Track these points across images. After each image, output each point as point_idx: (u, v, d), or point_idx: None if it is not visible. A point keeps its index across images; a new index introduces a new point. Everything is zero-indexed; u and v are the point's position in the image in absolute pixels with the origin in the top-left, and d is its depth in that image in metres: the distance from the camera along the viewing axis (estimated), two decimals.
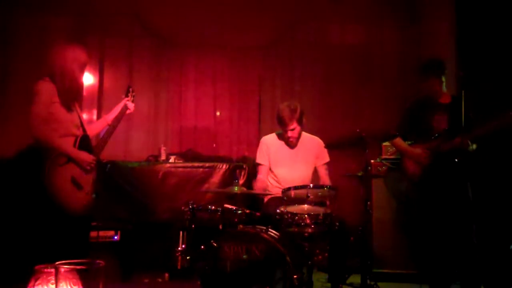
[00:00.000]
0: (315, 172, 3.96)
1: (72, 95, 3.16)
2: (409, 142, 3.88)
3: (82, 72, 3.26)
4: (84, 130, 3.26)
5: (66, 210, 2.99)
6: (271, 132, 4.10)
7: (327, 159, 3.96)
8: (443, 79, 3.69)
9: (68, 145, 3.07)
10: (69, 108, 3.14)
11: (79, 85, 3.26)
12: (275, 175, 3.89)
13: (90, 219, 3.40)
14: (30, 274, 1.56)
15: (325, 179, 3.91)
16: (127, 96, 3.59)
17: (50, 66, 3.14)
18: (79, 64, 3.18)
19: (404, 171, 3.84)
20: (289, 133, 3.80)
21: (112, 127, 3.41)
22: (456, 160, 3.57)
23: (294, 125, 3.77)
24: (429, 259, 3.69)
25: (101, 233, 3.93)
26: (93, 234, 3.84)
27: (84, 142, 3.18)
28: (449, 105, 3.69)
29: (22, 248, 3.27)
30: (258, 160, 3.95)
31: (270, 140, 3.98)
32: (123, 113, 3.49)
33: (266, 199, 3.89)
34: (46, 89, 3.04)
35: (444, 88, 3.71)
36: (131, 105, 3.55)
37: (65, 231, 2.98)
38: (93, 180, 3.19)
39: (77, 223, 3.10)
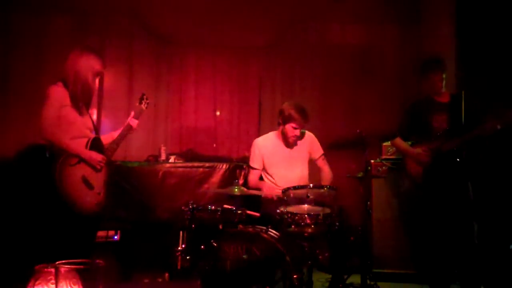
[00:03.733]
0: (315, 166, 3.96)
1: (84, 100, 3.23)
2: (410, 143, 3.88)
3: (95, 79, 3.34)
4: (97, 133, 3.34)
5: (77, 209, 3.04)
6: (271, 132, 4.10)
7: (322, 150, 3.97)
8: (444, 76, 3.70)
9: (78, 145, 3.14)
10: (80, 112, 3.20)
11: (92, 92, 3.32)
12: (272, 176, 3.89)
13: (100, 219, 3.42)
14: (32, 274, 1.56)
15: (326, 170, 3.91)
16: (140, 103, 3.63)
17: (64, 71, 3.21)
18: (93, 72, 3.26)
19: (406, 171, 3.84)
20: (294, 132, 3.80)
21: (123, 136, 3.45)
22: (457, 159, 3.57)
23: (302, 125, 3.79)
24: (430, 259, 3.69)
25: (101, 233, 3.93)
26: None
27: (96, 144, 3.24)
28: (449, 104, 3.70)
29: (32, 247, 3.29)
30: (251, 163, 3.94)
31: (263, 142, 3.96)
32: (128, 130, 3.51)
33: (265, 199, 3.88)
34: (57, 94, 3.12)
35: (443, 87, 3.72)
36: (134, 122, 3.54)
37: (75, 230, 3.02)
38: (104, 180, 3.25)
39: (87, 222, 3.15)
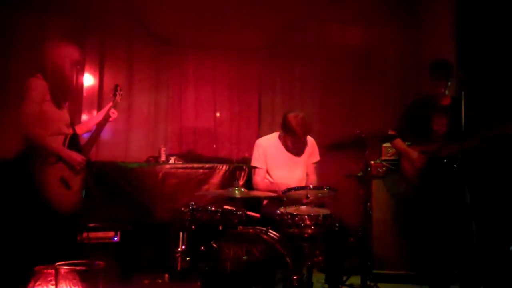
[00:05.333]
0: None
1: (63, 92, 3.13)
2: (408, 143, 3.87)
3: (74, 70, 3.22)
4: (73, 129, 3.24)
5: (55, 209, 2.98)
6: (271, 133, 4.10)
7: (318, 158, 3.97)
8: (449, 83, 3.68)
9: (58, 144, 3.05)
10: (59, 106, 3.11)
11: (71, 83, 3.20)
12: (272, 177, 3.89)
13: (78, 218, 3.37)
14: (24, 275, 1.55)
15: (312, 177, 3.91)
16: (115, 95, 3.54)
17: (41, 62, 3.11)
18: (70, 61, 3.15)
19: (402, 173, 3.84)
20: (293, 144, 3.80)
21: (100, 127, 3.37)
22: (455, 166, 3.57)
23: (301, 140, 3.79)
24: (428, 260, 3.69)
25: (101, 234, 3.92)
26: (94, 235, 3.84)
27: (74, 141, 3.16)
28: (449, 107, 3.69)
29: (12, 248, 3.24)
30: (253, 163, 3.94)
31: (266, 142, 3.96)
32: (106, 119, 3.43)
33: (265, 201, 3.89)
34: (38, 86, 3.01)
35: (446, 92, 3.71)
36: (113, 113, 3.46)
37: (54, 231, 2.97)
38: (81, 179, 3.18)
39: (66, 222, 3.09)
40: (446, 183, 3.57)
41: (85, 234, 3.84)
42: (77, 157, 3.10)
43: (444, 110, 3.68)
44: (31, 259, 1.68)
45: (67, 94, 3.20)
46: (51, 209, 2.96)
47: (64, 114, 3.16)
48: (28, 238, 2.99)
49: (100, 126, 3.37)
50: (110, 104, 3.49)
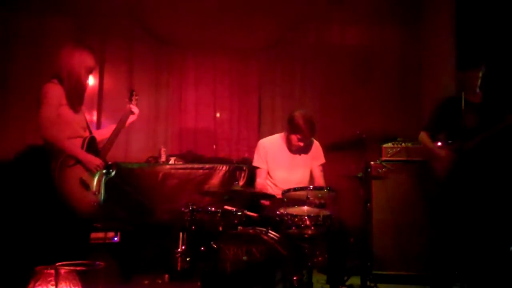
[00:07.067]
0: (310, 172, 3.95)
1: (78, 97, 3.20)
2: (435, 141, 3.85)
3: (88, 75, 3.31)
4: (90, 131, 3.30)
5: (73, 210, 3.01)
6: (271, 133, 4.10)
7: (323, 160, 3.96)
8: (481, 74, 3.66)
9: (76, 147, 3.10)
10: (76, 110, 3.17)
11: (84, 88, 3.28)
12: (273, 178, 3.88)
13: (95, 219, 3.42)
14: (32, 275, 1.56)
15: (319, 180, 3.90)
16: (130, 100, 3.58)
17: (57, 68, 3.17)
18: (86, 67, 3.23)
19: (431, 172, 3.79)
20: (297, 143, 3.79)
21: (117, 130, 3.42)
22: (480, 159, 3.54)
23: (308, 138, 3.78)
24: (433, 260, 3.65)
25: (101, 234, 3.93)
26: (94, 235, 3.84)
27: (91, 144, 3.20)
28: (480, 104, 3.66)
29: (31, 249, 3.27)
30: (255, 163, 3.93)
31: (269, 143, 3.96)
32: (127, 116, 3.49)
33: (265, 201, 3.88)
34: (55, 91, 3.08)
35: (478, 87, 3.67)
36: (135, 110, 3.54)
37: (74, 231, 3.01)
38: (100, 180, 3.21)
39: (84, 223, 3.14)
40: (474, 178, 3.53)
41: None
42: (94, 160, 3.14)
43: (474, 108, 3.64)
44: (45, 259, 1.69)
45: (82, 98, 3.26)
46: (68, 209, 2.99)
47: (80, 118, 3.23)
48: (43, 238, 3.03)
49: (117, 130, 3.41)
50: (128, 107, 3.54)
